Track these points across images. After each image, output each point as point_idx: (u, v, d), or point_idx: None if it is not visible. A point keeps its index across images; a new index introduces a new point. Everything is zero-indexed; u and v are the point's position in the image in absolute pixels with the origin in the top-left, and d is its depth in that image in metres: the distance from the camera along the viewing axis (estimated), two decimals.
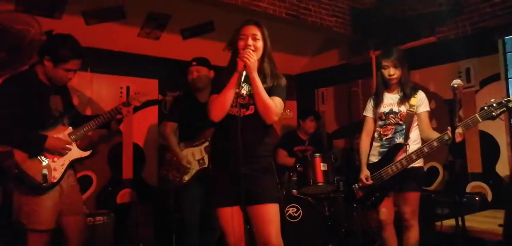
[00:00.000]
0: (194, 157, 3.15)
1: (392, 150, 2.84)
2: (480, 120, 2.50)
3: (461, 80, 2.26)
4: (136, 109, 3.44)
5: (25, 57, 3.04)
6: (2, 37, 3.13)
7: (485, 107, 2.49)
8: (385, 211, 2.89)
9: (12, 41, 3.13)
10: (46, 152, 2.38)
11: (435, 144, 2.64)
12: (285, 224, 3.24)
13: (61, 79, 2.43)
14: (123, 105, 2.68)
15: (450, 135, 2.43)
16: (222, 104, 2.07)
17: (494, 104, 2.45)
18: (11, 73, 2.70)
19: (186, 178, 3.11)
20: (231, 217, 2.11)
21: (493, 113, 2.45)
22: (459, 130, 2.50)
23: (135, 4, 3.60)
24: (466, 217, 2.20)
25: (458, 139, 2.49)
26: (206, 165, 3.10)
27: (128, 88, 3.96)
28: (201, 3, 3.61)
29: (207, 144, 3.12)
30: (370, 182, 2.85)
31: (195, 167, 3.13)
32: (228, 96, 2.05)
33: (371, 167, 2.91)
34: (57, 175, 2.40)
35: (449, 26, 4.01)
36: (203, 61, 3.21)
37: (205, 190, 3.09)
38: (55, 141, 2.40)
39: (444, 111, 3.95)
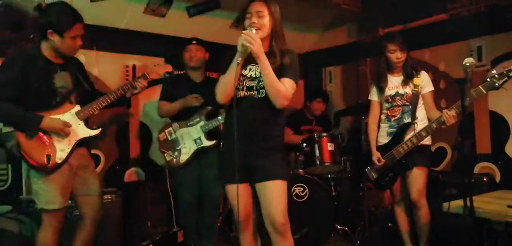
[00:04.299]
0: (192, 136, 3.15)
1: (401, 129, 2.88)
2: (484, 91, 2.50)
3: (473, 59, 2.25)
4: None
5: (29, 34, 3.00)
6: (5, 14, 3.08)
7: (488, 79, 2.50)
8: (398, 187, 3.00)
9: (15, 18, 3.10)
10: (42, 132, 2.31)
11: (442, 119, 2.66)
12: (291, 203, 3.25)
13: (71, 48, 2.36)
14: (137, 80, 2.60)
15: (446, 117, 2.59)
16: (224, 86, 2.07)
17: (496, 75, 2.46)
18: (15, 52, 2.66)
19: (184, 158, 3.12)
20: (238, 194, 2.11)
21: (496, 84, 2.46)
22: (452, 113, 2.58)
23: None
24: (474, 197, 2.19)
25: (451, 121, 2.58)
26: (203, 144, 3.11)
27: (134, 66, 3.94)
28: None
29: (203, 122, 3.13)
30: (383, 162, 2.89)
31: (192, 147, 3.13)
32: (227, 79, 2.04)
33: (381, 148, 2.95)
34: (63, 155, 2.35)
35: (461, 2, 3.89)
36: (202, 43, 3.30)
37: (203, 170, 3.12)
38: (51, 121, 2.31)
39: (454, 91, 3.89)
